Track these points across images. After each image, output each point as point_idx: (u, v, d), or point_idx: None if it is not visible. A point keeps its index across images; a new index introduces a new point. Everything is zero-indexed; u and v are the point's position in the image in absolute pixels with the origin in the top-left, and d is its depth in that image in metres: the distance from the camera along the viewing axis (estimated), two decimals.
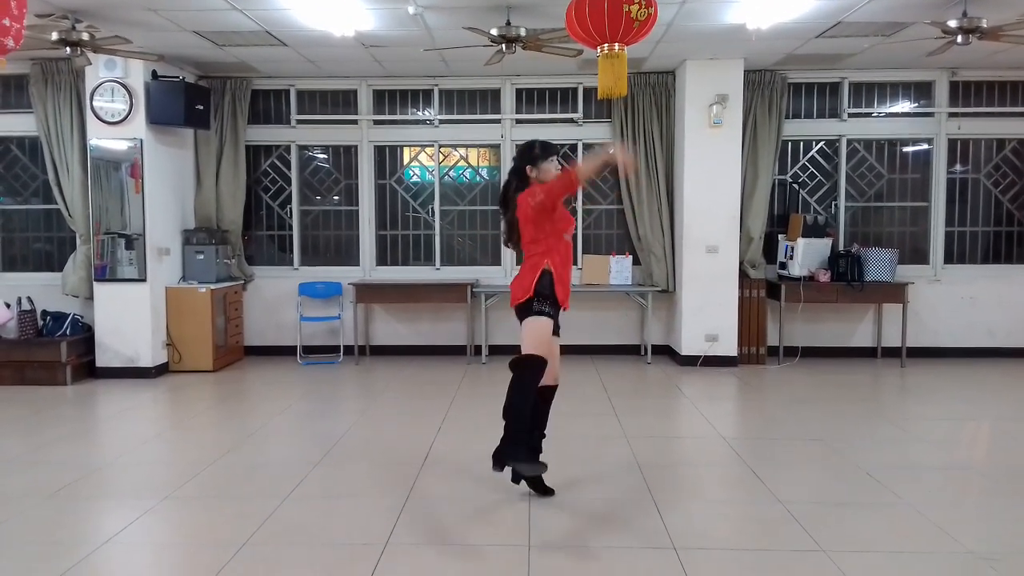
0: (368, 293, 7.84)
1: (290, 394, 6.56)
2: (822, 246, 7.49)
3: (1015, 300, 7.86)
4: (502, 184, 4.03)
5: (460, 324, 8.01)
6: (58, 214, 7.40)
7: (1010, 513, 3.81)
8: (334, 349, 8.01)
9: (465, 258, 8.27)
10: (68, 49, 5.50)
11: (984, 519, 3.76)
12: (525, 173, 3.82)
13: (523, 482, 3.91)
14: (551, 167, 3.81)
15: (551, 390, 3.91)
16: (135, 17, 5.74)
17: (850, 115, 7.85)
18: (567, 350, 7.74)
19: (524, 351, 3.74)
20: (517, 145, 4.26)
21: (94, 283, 7.04)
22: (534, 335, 3.74)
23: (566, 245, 3.84)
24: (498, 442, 3.75)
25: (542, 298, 3.72)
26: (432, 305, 8.01)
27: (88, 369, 7.05)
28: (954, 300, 7.88)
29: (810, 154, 7.98)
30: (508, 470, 3.80)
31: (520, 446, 3.70)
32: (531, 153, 3.84)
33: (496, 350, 8.01)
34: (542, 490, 3.92)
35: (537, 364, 3.70)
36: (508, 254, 8.10)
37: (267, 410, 5.98)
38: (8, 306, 6.95)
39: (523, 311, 3.76)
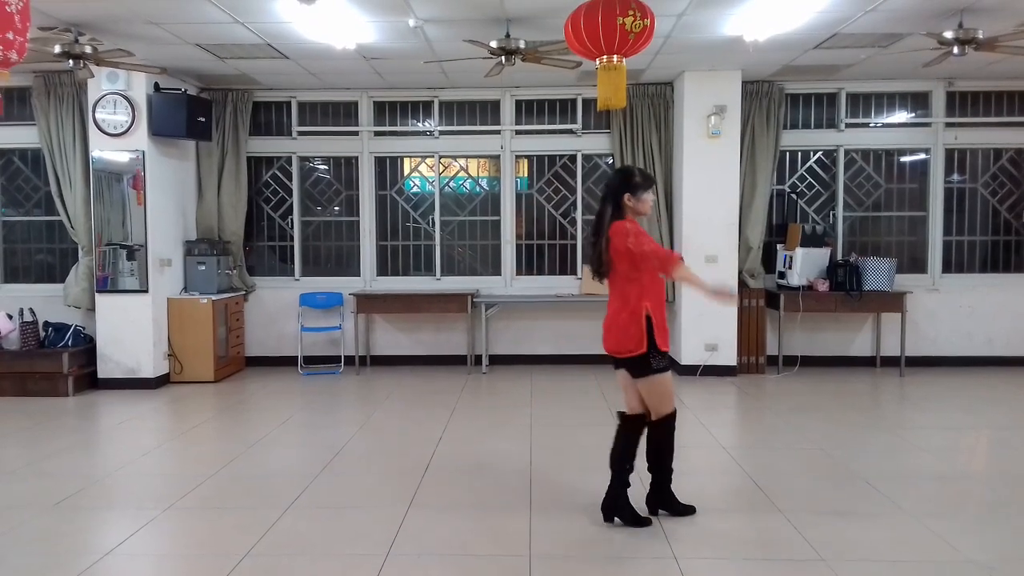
0: (369, 303, 7.86)
1: (291, 404, 6.57)
2: (820, 256, 7.52)
3: (1013, 309, 7.88)
4: (596, 211, 3.83)
5: (461, 334, 8.02)
6: (60, 225, 7.43)
7: (1009, 522, 3.82)
8: (335, 359, 8.03)
9: (465, 268, 8.30)
10: (71, 62, 5.54)
11: (983, 528, 3.77)
12: (622, 201, 3.68)
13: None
14: (649, 197, 3.74)
15: (644, 419, 3.83)
16: (137, 30, 5.79)
17: (848, 125, 7.89)
18: (569, 360, 7.90)
19: (658, 410, 3.73)
20: (615, 171, 4.07)
21: (96, 294, 7.06)
22: (665, 392, 3.72)
23: (660, 282, 3.73)
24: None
25: (655, 351, 3.63)
26: (433, 315, 8.02)
27: (90, 380, 7.06)
28: (952, 309, 7.90)
29: (808, 164, 8.02)
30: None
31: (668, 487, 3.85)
32: (632, 181, 3.71)
33: (496, 360, 8.03)
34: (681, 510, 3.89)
35: (674, 417, 3.77)
36: (508, 264, 8.13)
37: (268, 421, 5.98)
38: (10, 317, 6.96)
39: (639, 368, 3.67)
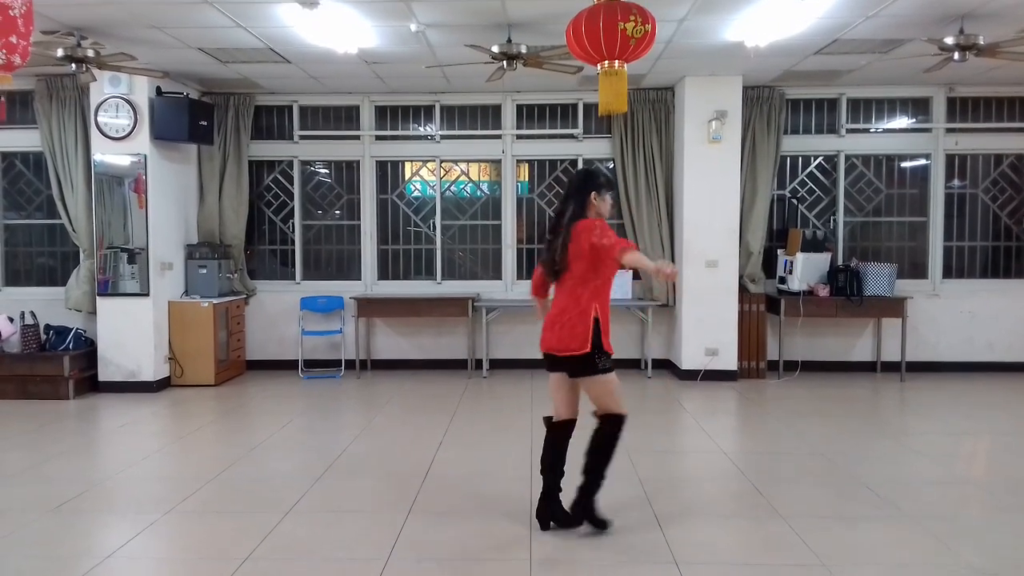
0: (369, 307, 7.87)
1: (292, 408, 6.57)
2: (821, 261, 7.52)
3: (1014, 314, 7.88)
4: (554, 210, 3.73)
5: (461, 338, 8.03)
6: (62, 229, 7.44)
7: (1010, 527, 3.82)
8: (335, 363, 8.03)
9: (466, 272, 8.30)
10: (73, 65, 5.57)
11: (984, 533, 3.77)
12: (588, 200, 3.65)
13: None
14: (610, 199, 3.73)
15: (572, 424, 3.83)
16: (140, 34, 5.80)
17: (848, 131, 7.90)
18: None
19: (609, 410, 3.68)
20: (579, 170, 4.06)
21: (97, 297, 7.07)
22: (613, 392, 3.68)
23: (609, 287, 3.71)
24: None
25: (600, 352, 3.60)
26: (433, 319, 8.03)
27: (90, 383, 7.06)
28: (953, 314, 7.90)
29: (809, 169, 8.03)
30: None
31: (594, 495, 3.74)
32: (597, 180, 3.70)
33: (497, 364, 8.02)
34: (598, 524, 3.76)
35: (623, 421, 3.70)
36: (509, 268, 8.13)
37: (269, 425, 5.98)
38: (11, 320, 6.97)
39: (582, 368, 3.64)
